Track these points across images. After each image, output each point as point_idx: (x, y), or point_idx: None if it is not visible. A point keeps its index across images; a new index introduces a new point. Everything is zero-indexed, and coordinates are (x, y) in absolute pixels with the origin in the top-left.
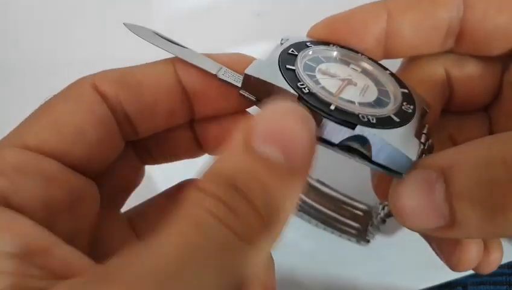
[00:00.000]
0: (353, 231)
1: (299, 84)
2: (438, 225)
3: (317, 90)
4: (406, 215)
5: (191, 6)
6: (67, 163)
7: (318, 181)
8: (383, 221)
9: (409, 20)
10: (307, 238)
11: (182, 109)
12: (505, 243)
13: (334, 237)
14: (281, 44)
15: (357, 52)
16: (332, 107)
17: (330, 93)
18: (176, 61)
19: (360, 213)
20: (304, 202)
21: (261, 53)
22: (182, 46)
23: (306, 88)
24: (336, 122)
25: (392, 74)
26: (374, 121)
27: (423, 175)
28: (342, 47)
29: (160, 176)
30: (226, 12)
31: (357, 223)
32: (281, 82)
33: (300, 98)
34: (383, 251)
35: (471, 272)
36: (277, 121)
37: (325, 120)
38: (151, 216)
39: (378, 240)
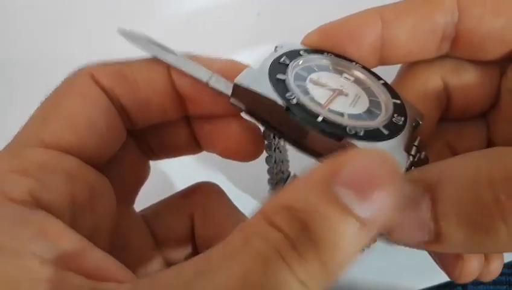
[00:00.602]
0: None
1: (287, 94)
2: (422, 240)
3: (305, 101)
4: (391, 230)
5: (191, 6)
6: (83, 157)
7: None
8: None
9: (404, 26)
10: None
11: (175, 107)
12: None
13: None
14: (275, 51)
15: (351, 60)
16: (319, 119)
17: (319, 104)
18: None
19: None
20: None
21: (260, 53)
22: (175, 53)
23: (294, 99)
24: (322, 134)
25: (385, 84)
26: (362, 133)
27: (409, 190)
28: (336, 56)
29: (174, 176)
30: (226, 12)
31: None
32: (269, 92)
33: (288, 109)
34: (382, 251)
35: None
36: (368, 171)
37: (312, 131)
38: (167, 216)
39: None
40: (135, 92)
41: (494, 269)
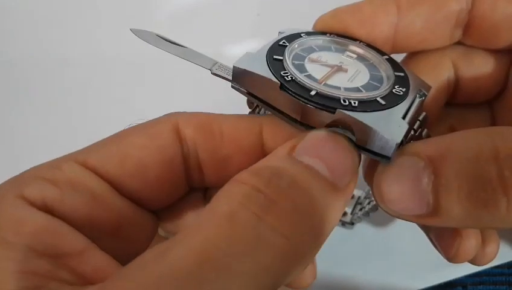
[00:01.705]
0: None
1: (282, 72)
2: (420, 213)
3: (300, 78)
4: (389, 201)
5: (192, 5)
6: (121, 191)
7: None
8: (376, 208)
9: (420, 14)
10: None
11: None
12: (504, 243)
13: (334, 237)
14: (278, 36)
15: (354, 39)
16: (312, 93)
17: (314, 79)
18: (263, 121)
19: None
20: None
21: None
22: (182, 46)
23: (289, 76)
24: (316, 107)
25: (389, 59)
26: (356, 104)
27: (410, 163)
28: (339, 36)
29: None
30: (226, 12)
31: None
32: (265, 72)
33: (282, 86)
34: (383, 251)
35: (471, 271)
36: (320, 143)
37: (306, 106)
38: None
39: (378, 240)
40: (217, 148)
41: (490, 252)
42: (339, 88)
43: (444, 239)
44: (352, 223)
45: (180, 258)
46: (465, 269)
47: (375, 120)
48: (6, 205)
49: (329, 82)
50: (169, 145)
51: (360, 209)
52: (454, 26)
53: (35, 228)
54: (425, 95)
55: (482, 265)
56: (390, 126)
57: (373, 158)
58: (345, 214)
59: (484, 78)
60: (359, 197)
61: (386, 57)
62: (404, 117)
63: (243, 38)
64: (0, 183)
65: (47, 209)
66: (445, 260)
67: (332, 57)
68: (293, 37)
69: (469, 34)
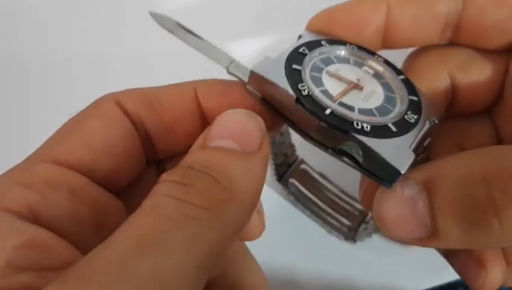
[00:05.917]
0: (343, 229)
1: (300, 85)
2: (419, 236)
3: (316, 93)
4: (388, 225)
5: (192, 4)
6: (94, 177)
7: (320, 174)
8: (379, 229)
9: (407, 13)
10: (306, 239)
11: (200, 132)
12: None
13: (334, 237)
14: (298, 40)
15: (373, 53)
16: (327, 112)
17: (330, 96)
18: (197, 85)
19: (356, 212)
20: (300, 191)
21: (260, 51)
22: (200, 37)
23: (306, 90)
24: (329, 127)
25: (405, 80)
26: (368, 129)
27: (407, 187)
28: (359, 48)
29: None
30: (226, 10)
31: (350, 221)
32: (282, 82)
33: (298, 100)
34: (384, 251)
35: None
36: (226, 121)
37: (319, 123)
38: None
39: (380, 241)
40: (160, 117)
41: None
42: (353, 108)
43: (468, 271)
44: (354, 240)
45: (119, 243)
46: None
47: (385, 148)
48: None
49: (344, 100)
50: (121, 121)
51: (364, 229)
52: (443, 28)
53: (20, 242)
54: (434, 122)
55: (508, 286)
56: (398, 155)
57: (373, 180)
58: (350, 228)
59: (481, 86)
60: (366, 215)
61: (402, 77)
62: (411, 145)
63: (243, 37)
64: None
65: (33, 218)
66: (447, 262)
67: (350, 72)
68: (313, 45)
69: (459, 36)
